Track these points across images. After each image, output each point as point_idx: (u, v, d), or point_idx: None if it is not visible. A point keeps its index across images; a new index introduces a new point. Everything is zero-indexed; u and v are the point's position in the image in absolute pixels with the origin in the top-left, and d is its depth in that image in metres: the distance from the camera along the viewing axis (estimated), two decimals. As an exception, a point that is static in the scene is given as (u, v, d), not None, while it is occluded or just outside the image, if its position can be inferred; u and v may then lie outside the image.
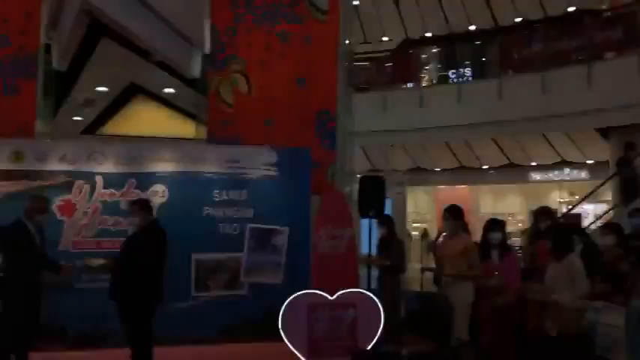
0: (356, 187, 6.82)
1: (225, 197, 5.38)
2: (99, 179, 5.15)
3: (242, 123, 5.98)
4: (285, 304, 4.36)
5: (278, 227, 5.41)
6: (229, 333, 5.22)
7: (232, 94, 6.04)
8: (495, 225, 4.97)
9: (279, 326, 4.35)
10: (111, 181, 5.17)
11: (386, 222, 6.05)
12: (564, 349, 4.05)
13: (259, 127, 5.99)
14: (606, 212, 9.88)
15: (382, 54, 13.15)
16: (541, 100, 10.32)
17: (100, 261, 4.53)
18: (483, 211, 15.81)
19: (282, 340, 4.39)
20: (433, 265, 5.51)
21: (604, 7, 12.09)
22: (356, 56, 11.04)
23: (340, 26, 6.48)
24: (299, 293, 4.43)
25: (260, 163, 5.50)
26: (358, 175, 7.68)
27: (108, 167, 5.20)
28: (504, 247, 4.90)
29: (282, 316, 4.36)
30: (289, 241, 5.42)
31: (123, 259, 4.21)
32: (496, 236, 4.86)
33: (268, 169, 5.51)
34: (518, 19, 14.26)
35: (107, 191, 5.15)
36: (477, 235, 5.54)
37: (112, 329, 4.73)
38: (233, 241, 5.33)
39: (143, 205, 4.43)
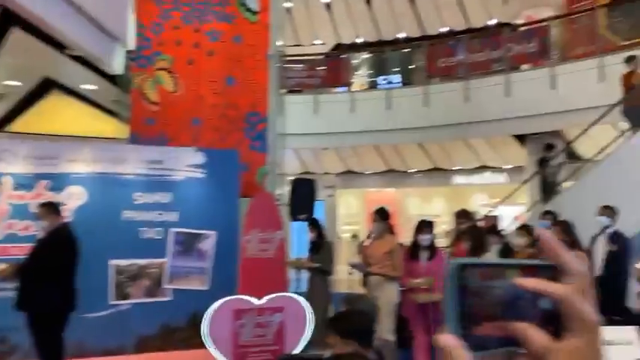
0: (287, 189, 6.78)
1: (148, 200, 5.14)
2: (7, 180, 4.75)
3: (167, 122, 5.76)
4: (210, 310, 4.22)
5: (204, 231, 5.25)
6: (151, 342, 4.99)
7: (157, 92, 5.81)
8: (425, 226, 5.03)
9: (204, 333, 4.20)
10: (21, 182, 4.79)
11: (315, 225, 6.06)
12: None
13: (186, 127, 5.79)
14: (521, 214, 10.49)
15: (314, 57, 13.21)
16: (464, 108, 10.78)
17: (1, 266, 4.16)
18: (410, 213, 16.31)
19: (207, 348, 4.25)
20: (359, 261, 5.58)
21: (520, 21, 12.85)
22: (288, 58, 11.01)
23: (271, 27, 6.41)
24: (225, 299, 4.31)
25: (186, 165, 5.30)
26: (290, 178, 7.65)
27: (18, 167, 4.81)
28: (433, 248, 4.99)
29: (207, 322, 4.21)
30: (216, 246, 5.27)
31: (28, 265, 3.90)
32: (426, 237, 4.93)
33: (195, 171, 5.33)
34: (444, 29, 14.86)
35: (17, 193, 4.77)
36: (404, 237, 5.68)
37: (19, 342, 4.38)
38: (156, 246, 5.10)
39: (51, 207, 4.13)
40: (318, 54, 13.61)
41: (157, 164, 5.20)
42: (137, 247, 5.04)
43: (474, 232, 4.89)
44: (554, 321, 0.48)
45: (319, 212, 9.39)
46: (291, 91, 11.56)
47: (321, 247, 5.92)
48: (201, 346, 4.24)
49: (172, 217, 5.18)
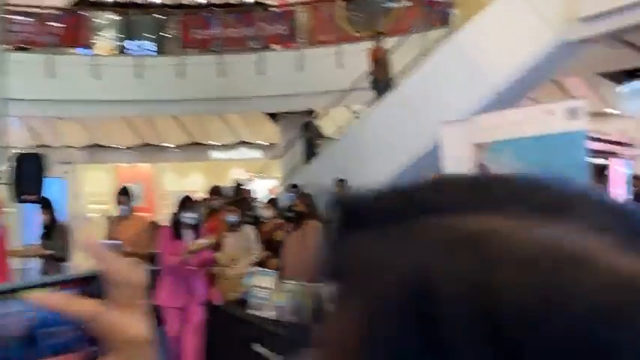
0: (10, 165, 5.79)
1: None
2: None
3: None
4: None
5: None
6: None
7: None
8: (189, 204, 4.76)
9: None
10: None
11: (46, 206, 5.30)
12: (224, 314, 4.48)
13: None
14: (275, 187, 11.16)
15: (49, 11, 11.38)
16: (218, 83, 10.76)
17: None
18: (167, 189, 15.81)
19: None
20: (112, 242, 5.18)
21: (274, 2, 13.41)
22: (13, 9, 9.26)
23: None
24: None
25: None
26: (16, 152, 6.53)
27: None
28: (198, 228, 4.75)
29: None
30: None
31: None
32: (191, 215, 4.66)
33: None
34: (201, 0, 14.54)
35: None
36: (161, 213, 5.41)
37: None
38: None
39: None
40: (54, 8, 11.79)
41: None
42: None
43: (243, 203, 5.25)
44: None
45: (57, 191, 8.27)
46: (17, 49, 9.80)
47: (53, 231, 5.21)
48: None
49: None
